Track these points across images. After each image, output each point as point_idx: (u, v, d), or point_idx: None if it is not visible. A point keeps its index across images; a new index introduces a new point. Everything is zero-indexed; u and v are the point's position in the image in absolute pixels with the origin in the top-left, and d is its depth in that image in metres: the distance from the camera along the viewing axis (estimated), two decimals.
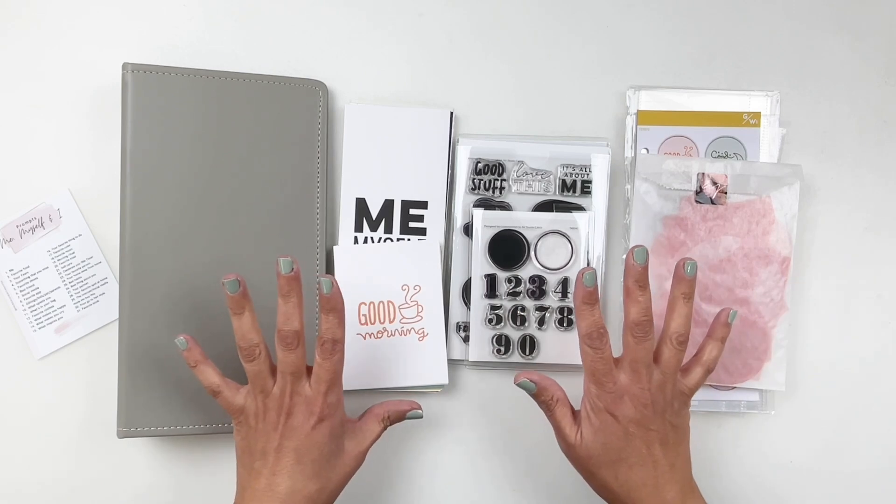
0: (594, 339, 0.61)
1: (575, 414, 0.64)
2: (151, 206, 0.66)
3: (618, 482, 0.61)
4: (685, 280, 0.62)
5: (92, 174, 0.70)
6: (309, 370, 0.61)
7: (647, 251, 0.61)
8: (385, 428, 0.65)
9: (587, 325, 0.61)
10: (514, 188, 0.71)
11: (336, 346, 0.60)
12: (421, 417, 0.66)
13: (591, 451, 0.62)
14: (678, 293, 0.62)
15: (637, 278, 0.61)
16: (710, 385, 0.71)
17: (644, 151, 0.71)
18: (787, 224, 0.70)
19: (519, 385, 0.64)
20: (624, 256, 0.71)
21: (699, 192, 0.70)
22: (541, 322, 0.70)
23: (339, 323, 0.60)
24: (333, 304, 0.60)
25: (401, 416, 0.66)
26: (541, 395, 0.64)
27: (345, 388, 0.69)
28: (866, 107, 0.73)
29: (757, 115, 0.71)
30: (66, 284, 0.70)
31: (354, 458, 0.63)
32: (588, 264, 0.70)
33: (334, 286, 0.60)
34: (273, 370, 0.62)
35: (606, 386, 0.61)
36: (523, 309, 0.70)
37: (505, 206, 0.71)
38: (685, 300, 0.62)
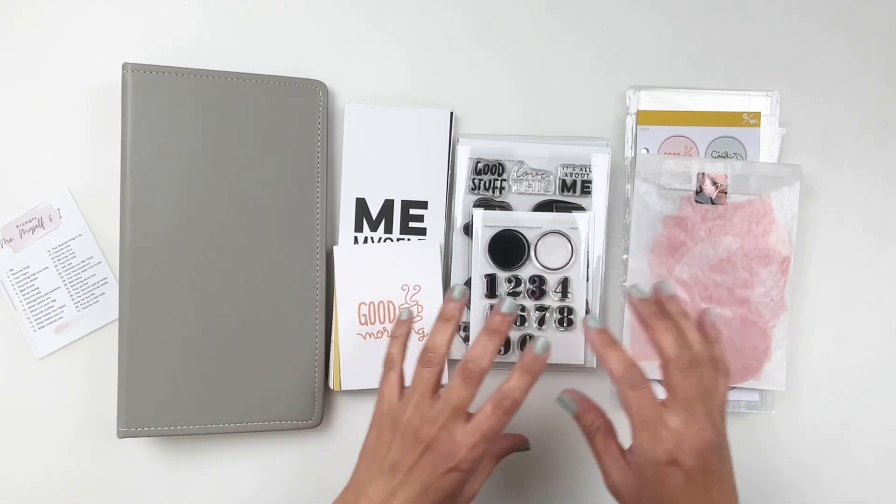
0: (635, 379, 0.55)
1: (621, 449, 0.58)
2: (151, 206, 0.66)
3: None
4: (669, 300, 0.59)
5: (92, 174, 0.70)
6: (467, 416, 0.57)
7: (643, 289, 0.58)
8: (497, 463, 0.64)
9: (620, 365, 0.55)
10: (514, 188, 0.71)
11: (514, 406, 0.56)
12: (528, 449, 0.66)
13: (643, 499, 0.56)
14: (675, 314, 0.58)
15: (652, 310, 0.57)
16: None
17: (644, 151, 0.71)
18: (787, 224, 0.70)
19: (558, 401, 0.59)
20: (625, 257, 0.71)
21: (699, 192, 0.70)
22: (540, 322, 0.70)
23: (529, 388, 0.56)
24: (536, 368, 0.56)
25: (510, 451, 0.65)
26: (581, 419, 0.59)
27: (344, 388, 0.69)
28: (866, 107, 0.73)
29: (757, 115, 0.71)
30: (66, 284, 0.70)
31: (467, 497, 0.61)
32: (588, 264, 0.70)
33: (548, 351, 0.56)
34: (438, 388, 0.58)
35: (660, 433, 0.54)
36: (523, 309, 0.70)
37: (505, 206, 0.71)
38: (684, 317, 0.58)
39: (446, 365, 0.60)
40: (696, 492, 0.54)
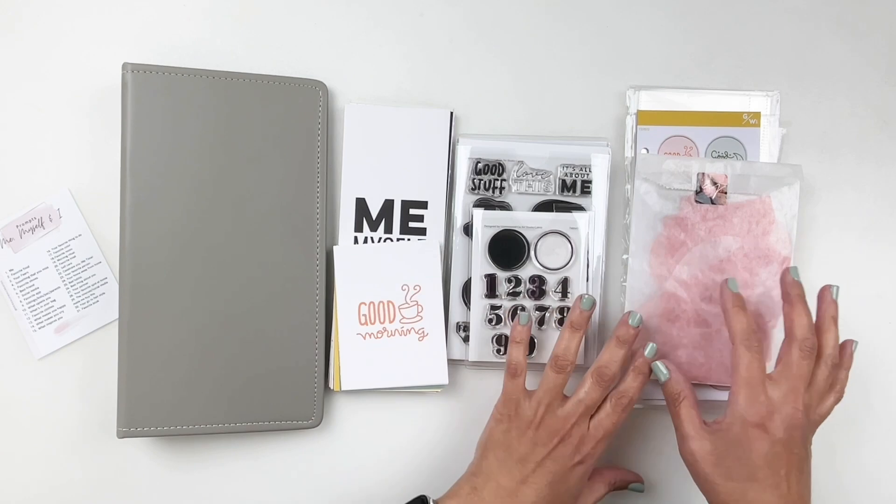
0: (752, 341, 0.60)
1: (703, 420, 0.62)
2: (151, 206, 0.66)
3: (745, 501, 0.58)
4: (832, 303, 0.63)
5: (92, 174, 0.70)
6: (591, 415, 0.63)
7: (798, 272, 0.63)
8: (608, 492, 0.67)
9: (744, 326, 0.60)
10: (514, 188, 0.71)
11: (630, 404, 0.63)
12: (642, 492, 0.68)
13: (722, 464, 0.59)
14: (828, 315, 0.63)
15: (799, 292, 0.62)
16: (711, 385, 0.71)
17: (644, 151, 0.71)
18: (787, 224, 0.70)
19: (653, 367, 0.64)
20: (625, 257, 0.71)
21: (699, 192, 0.70)
22: (540, 322, 0.70)
23: (641, 388, 0.64)
24: (647, 369, 0.64)
25: (624, 485, 0.68)
26: (670, 387, 0.63)
27: (344, 388, 0.69)
28: (866, 107, 0.73)
29: (757, 115, 0.71)
30: (66, 284, 0.70)
31: None
32: (588, 264, 0.70)
33: (656, 354, 0.64)
34: (563, 392, 0.63)
35: (759, 397, 0.59)
36: (523, 309, 0.70)
37: (505, 206, 0.71)
38: (835, 323, 0.63)
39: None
40: (775, 465, 0.58)
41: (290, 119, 0.70)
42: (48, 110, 0.71)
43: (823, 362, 0.62)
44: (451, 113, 0.71)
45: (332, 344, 0.70)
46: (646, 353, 0.64)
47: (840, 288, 0.64)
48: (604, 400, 0.63)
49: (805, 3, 0.73)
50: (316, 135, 0.70)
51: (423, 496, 0.62)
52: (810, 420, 0.60)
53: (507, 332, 0.70)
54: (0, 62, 0.71)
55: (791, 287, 0.63)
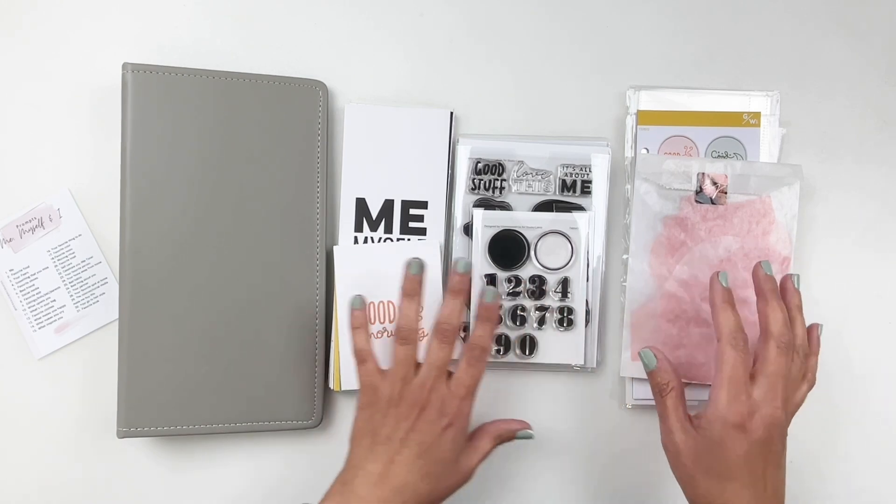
0: (738, 340, 0.59)
1: (688, 414, 0.61)
2: (151, 206, 0.66)
3: (723, 498, 0.58)
4: (795, 292, 0.64)
5: (92, 174, 0.70)
6: (449, 374, 0.62)
7: (771, 266, 0.63)
8: (495, 446, 0.65)
9: (731, 324, 0.59)
10: (514, 188, 0.71)
11: (484, 354, 0.62)
12: (531, 438, 0.66)
13: (702, 460, 0.59)
14: (793, 306, 0.63)
15: (773, 287, 0.61)
16: (711, 385, 0.71)
17: (644, 151, 0.71)
18: (787, 224, 0.70)
19: (641, 353, 0.62)
20: (625, 257, 0.71)
21: (699, 192, 0.70)
22: (540, 322, 0.70)
23: (492, 333, 0.63)
24: (491, 315, 0.63)
25: (511, 436, 0.66)
26: (657, 376, 0.62)
27: (344, 388, 0.69)
28: (866, 107, 0.73)
29: (757, 115, 0.71)
30: (66, 284, 0.70)
31: (464, 472, 0.63)
32: (588, 265, 0.70)
33: (498, 297, 0.63)
34: (417, 362, 0.62)
35: (740, 397, 0.58)
36: (523, 309, 0.70)
37: (505, 206, 0.71)
38: (800, 312, 0.63)
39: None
40: (753, 463, 0.57)
41: (290, 119, 0.70)
42: (48, 110, 0.71)
43: (795, 353, 0.61)
44: (451, 113, 0.71)
45: (332, 344, 0.70)
46: (486, 299, 0.63)
47: (801, 276, 0.65)
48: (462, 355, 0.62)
49: (805, 3, 0.73)
50: (316, 135, 0.70)
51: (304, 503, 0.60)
52: (788, 415, 0.60)
53: (507, 332, 0.71)
54: (1, 62, 0.71)
55: (764, 282, 0.62)
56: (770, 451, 0.58)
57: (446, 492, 0.62)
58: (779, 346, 0.59)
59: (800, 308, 0.64)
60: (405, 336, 0.62)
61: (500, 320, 0.63)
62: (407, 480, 0.59)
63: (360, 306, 0.64)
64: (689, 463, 0.59)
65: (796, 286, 0.64)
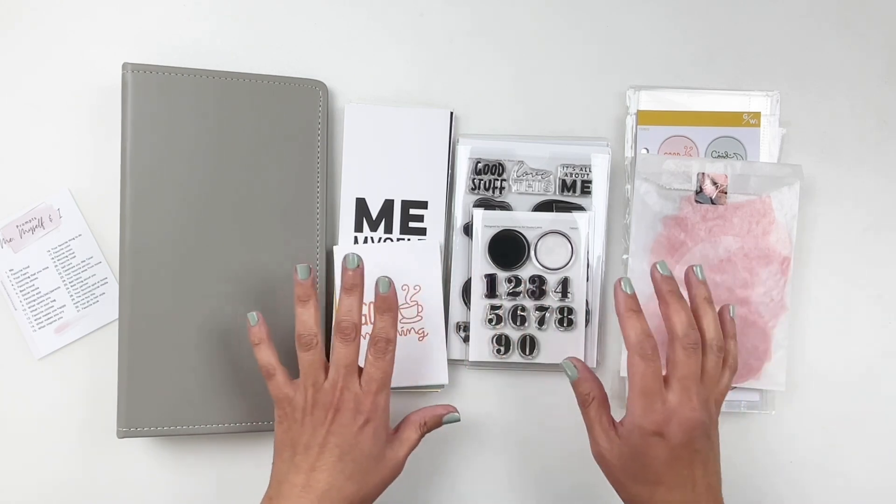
0: (646, 348, 0.58)
1: (612, 421, 0.61)
2: (151, 206, 0.66)
3: (653, 502, 0.58)
4: (699, 284, 0.62)
5: (92, 174, 0.70)
6: (359, 370, 0.62)
7: (668, 266, 0.61)
8: (423, 435, 0.64)
9: (637, 333, 0.58)
10: (514, 188, 0.71)
11: (389, 345, 0.61)
12: (458, 421, 0.66)
13: (628, 467, 0.59)
14: (700, 298, 0.61)
15: (671, 287, 0.60)
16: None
17: (644, 151, 0.71)
18: (787, 224, 0.70)
19: (562, 364, 0.62)
20: (625, 257, 0.71)
21: (699, 192, 0.70)
22: (541, 322, 0.70)
23: (394, 323, 0.62)
24: (389, 304, 0.61)
25: (437, 422, 0.65)
26: (579, 387, 0.61)
27: None
28: (866, 107, 0.73)
29: (757, 115, 0.71)
30: (66, 284, 0.70)
31: (393, 466, 0.62)
32: (588, 265, 0.70)
33: (391, 286, 0.61)
34: (325, 365, 0.62)
35: (655, 405, 0.57)
36: (523, 309, 0.70)
37: (505, 206, 0.71)
38: (709, 304, 0.61)
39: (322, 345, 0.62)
40: (678, 467, 0.57)
41: (290, 119, 0.70)
42: (48, 110, 0.71)
43: (710, 349, 0.60)
44: (451, 113, 0.71)
45: (332, 344, 0.70)
46: (381, 290, 0.61)
47: (703, 266, 0.63)
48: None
49: (805, 3, 0.73)
50: (316, 135, 0.70)
51: None
52: (710, 411, 0.59)
53: (507, 332, 0.71)
54: (0, 62, 0.71)
55: (662, 284, 0.60)
56: (694, 452, 0.57)
57: (376, 489, 0.61)
58: (685, 347, 0.58)
59: (707, 299, 0.61)
60: (307, 342, 0.61)
61: (398, 308, 0.62)
62: (331, 485, 0.59)
63: (255, 323, 0.63)
64: (616, 470, 0.60)
65: (700, 278, 0.62)
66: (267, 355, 0.62)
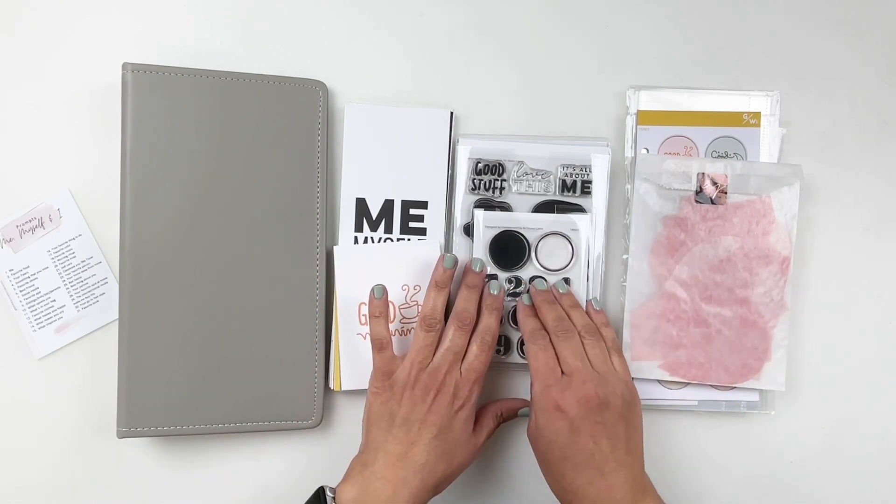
0: (537, 337, 0.65)
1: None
2: (151, 206, 0.66)
3: (565, 480, 0.61)
4: (564, 296, 0.69)
5: (92, 174, 0.70)
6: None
7: (544, 283, 0.69)
8: (499, 424, 0.69)
9: (531, 327, 0.66)
10: (514, 188, 0.71)
11: (494, 341, 0.66)
12: (529, 416, 0.67)
13: (539, 446, 0.63)
14: (566, 305, 0.68)
15: (545, 297, 0.68)
16: (711, 385, 0.71)
17: (644, 151, 0.71)
18: (787, 224, 0.70)
19: (520, 414, 0.70)
20: (625, 257, 0.71)
21: (699, 192, 0.70)
22: None
23: (499, 322, 0.67)
24: (499, 305, 0.67)
25: (513, 414, 0.69)
26: (505, 417, 0.69)
27: (344, 388, 0.70)
28: (866, 107, 0.73)
29: (757, 115, 0.71)
30: (66, 284, 0.70)
31: (473, 450, 0.66)
32: (588, 265, 0.70)
33: (502, 290, 0.68)
34: (434, 350, 0.65)
35: (549, 381, 0.62)
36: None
37: (505, 207, 0.71)
38: (575, 308, 0.68)
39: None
40: (580, 441, 0.61)
41: (290, 119, 0.69)
42: (48, 110, 0.70)
43: (584, 334, 0.65)
44: (451, 113, 0.71)
45: (332, 344, 0.70)
46: (491, 290, 0.67)
47: (545, 281, 0.70)
48: (469, 343, 0.66)
49: (805, 3, 0.73)
50: (316, 135, 0.70)
51: (322, 487, 0.62)
52: (612, 387, 0.62)
53: (508, 333, 0.71)
54: (1, 62, 0.70)
55: (536, 296, 0.69)
56: (595, 424, 0.61)
57: (459, 469, 0.65)
58: (557, 334, 0.64)
59: (573, 306, 0.68)
60: (430, 324, 0.65)
61: (503, 309, 0.68)
62: (426, 460, 0.62)
63: (380, 296, 0.66)
64: (536, 452, 0.64)
65: (562, 291, 0.69)
66: (383, 328, 0.66)
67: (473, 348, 0.65)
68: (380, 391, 0.64)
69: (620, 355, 0.67)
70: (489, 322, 0.66)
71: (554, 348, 0.64)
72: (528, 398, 0.72)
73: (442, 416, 0.63)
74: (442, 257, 0.67)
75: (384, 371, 0.65)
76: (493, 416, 0.68)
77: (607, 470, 0.60)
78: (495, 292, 0.67)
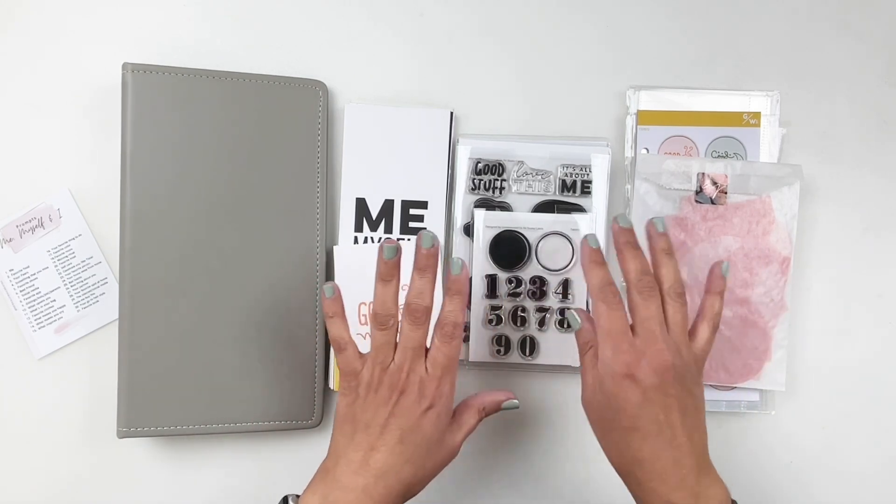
0: (608, 294, 0.58)
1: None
2: (151, 206, 0.66)
3: (630, 450, 0.58)
4: (660, 236, 0.61)
5: (92, 174, 0.70)
6: (426, 354, 0.61)
7: (628, 219, 0.60)
8: (481, 419, 0.64)
9: (599, 280, 0.59)
10: (514, 188, 0.71)
11: (457, 330, 0.60)
12: (517, 408, 0.65)
13: (604, 414, 0.59)
14: (658, 250, 0.61)
15: (628, 239, 0.60)
16: (710, 385, 0.71)
17: (644, 151, 0.71)
18: (787, 224, 0.70)
19: (567, 316, 0.63)
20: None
21: (699, 192, 0.70)
22: (541, 323, 0.70)
23: (463, 307, 0.60)
24: (460, 287, 0.60)
25: (496, 407, 0.64)
26: (580, 337, 0.62)
27: None
28: (866, 107, 0.73)
29: (757, 115, 0.71)
30: (66, 284, 0.70)
31: (450, 449, 0.62)
32: None
33: (464, 268, 0.61)
34: (395, 347, 0.60)
35: (622, 347, 0.57)
36: (524, 310, 0.70)
37: (505, 207, 0.71)
38: (667, 255, 0.60)
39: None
40: (652, 412, 0.57)
41: (290, 119, 0.69)
42: (48, 110, 0.70)
43: (668, 296, 0.59)
44: (451, 113, 0.71)
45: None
46: (452, 271, 0.60)
47: (665, 219, 0.62)
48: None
49: (805, 3, 0.73)
50: (316, 135, 0.70)
51: (286, 496, 0.60)
52: (685, 360, 0.58)
53: (507, 332, 0.71)
54: (0, 62, 0.70)
55: (619, 235, 0.60)
56: (668, 396, 0.57)
57: (432, 471, 0.61)
58: (640, 291, 0.58)
59: (665, 251, 0.61)
60: (382, 321, 0.60)
61: (470, 293, 0.61)
62: (389, 466, 0.58)
63: (331, 295, 0.61)
64: (595, 418, 0.60)
65: (660, 230, 0.61)
66: (340, 328, 0.61)
67: (434, 341, 0.60)
68: (346, 392, 0.60)
69: (713, 329, 0.61)
70: (449, 309, 0.60)
71: (629, 302, 0.59)
72: (527, 394, 0.72)
73: (407, 417, 0.59)
74: (420, 237, 0.60)
75: (348, 372, 0.60)
76: (475, 411, 0.63)
77: (676, 444, 0.57)
78: (456, 272, 0.60)
